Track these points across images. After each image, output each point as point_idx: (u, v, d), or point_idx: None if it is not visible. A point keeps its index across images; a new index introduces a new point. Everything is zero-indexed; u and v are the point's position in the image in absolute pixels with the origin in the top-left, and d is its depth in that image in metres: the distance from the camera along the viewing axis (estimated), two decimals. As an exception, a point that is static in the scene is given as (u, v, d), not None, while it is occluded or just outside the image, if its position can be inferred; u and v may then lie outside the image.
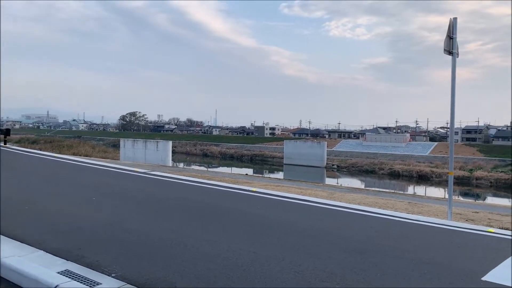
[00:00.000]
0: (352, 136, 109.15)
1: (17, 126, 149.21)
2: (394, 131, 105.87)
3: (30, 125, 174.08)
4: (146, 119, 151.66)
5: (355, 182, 39.87)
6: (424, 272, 4.30)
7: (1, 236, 4.85)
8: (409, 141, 70.16)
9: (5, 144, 19.67)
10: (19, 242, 4.65)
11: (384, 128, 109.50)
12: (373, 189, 25.76)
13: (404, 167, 47.97)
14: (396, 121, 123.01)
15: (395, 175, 46.40)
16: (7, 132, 20.59)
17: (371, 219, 7.01)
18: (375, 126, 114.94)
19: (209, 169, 43.48)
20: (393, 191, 23.58)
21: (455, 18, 7.85)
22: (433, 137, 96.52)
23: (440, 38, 8.51)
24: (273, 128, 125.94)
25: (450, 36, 7.82)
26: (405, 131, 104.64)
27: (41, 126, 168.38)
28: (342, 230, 6.11)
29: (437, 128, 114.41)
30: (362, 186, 34.27)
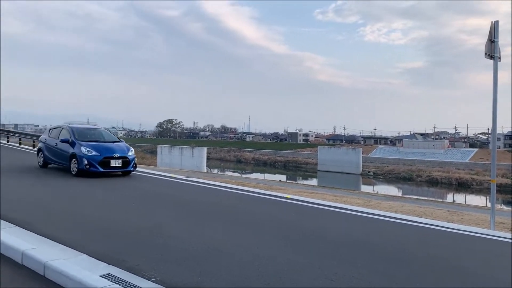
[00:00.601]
0: (389, 142, 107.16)
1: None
2: (432, 137, 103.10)
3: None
4: (182, 126, 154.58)
5: (392, 190, 38.99)
6: (465, 283, 4.18)
7: (47, 239, 5.08)
8: (448, 147, 68.07)
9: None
10: (63, 246, 4.85)
11: (421, 134, 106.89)
12: (410, 196, 25.10)
13: (442, 174, 46.53)
14: (434, 127, 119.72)
15: (433, 182, 45.06)
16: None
17: (409, 227, 6.87)
18: (412, 132, 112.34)
19: (243, 175, 43.70)
20: (431, 198, 22.96)
21: (496, 21, 7.62)
22: (473, 143, 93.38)
23: (479, 41, 8.26)
24: (306, 134, 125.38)
25: (492, 40, 7.60)
26: (444, 137, 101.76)
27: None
28: (379, 239, 6.01)
29: (478, 134, 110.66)
30: (399, 194, 33.48)
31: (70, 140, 12.00)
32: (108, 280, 3.83)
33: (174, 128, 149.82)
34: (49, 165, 13.32)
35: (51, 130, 13.73)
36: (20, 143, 22.91)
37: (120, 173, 12.14)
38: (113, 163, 11.71)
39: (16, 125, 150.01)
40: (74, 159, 11.63)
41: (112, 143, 12.61)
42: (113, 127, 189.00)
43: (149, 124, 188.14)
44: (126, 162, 11.97)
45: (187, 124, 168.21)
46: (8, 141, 23.65)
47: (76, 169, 11.53)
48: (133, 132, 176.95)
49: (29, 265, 4.35)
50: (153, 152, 55.72)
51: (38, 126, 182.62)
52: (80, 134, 12.37)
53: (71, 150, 11.79)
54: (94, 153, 11.48)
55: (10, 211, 6.42)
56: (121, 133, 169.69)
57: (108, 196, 8.78)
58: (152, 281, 3.85)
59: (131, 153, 12.36)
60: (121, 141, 13.08)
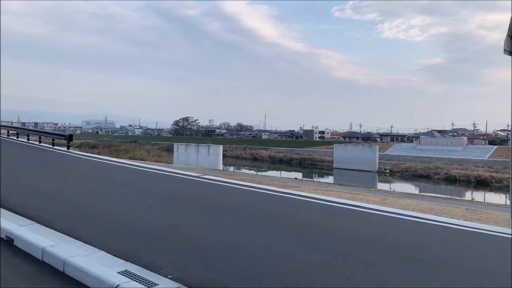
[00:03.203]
0: (406, 139, 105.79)
1: (78, 132, 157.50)
2: (450, 134, 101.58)
3: (90, 131, 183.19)
4: (198, 124, 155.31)
5: (408, 187, 38.55)
6: (484, 283, 4.13)
7: (67, 236, 5.18)
8: (467, 144, 66.89)
9: (68, 149, 20.86)
10: (82, 243, 4.94)
11: (439, 131, 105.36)
12: (428, 194, 24.82)
13: (461, 172, 45.79)
14: (452, 124, 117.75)
15: (451, 180, 44.41)
16: (70, 138, 21.84)
17: (427, 226, 6.79)
18: (430, 129, 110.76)
19: (259, 173, 43.75)
20: (449, 197, 22.60)
21: (516, 16, 7.47)
22: (493, 140, 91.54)
23: (500, 36, 8.11)
24: (322, 132, 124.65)
25: (511, 36, 7.45)
26: (462, 134, 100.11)
27: (99, 132, 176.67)
28: (396, 237, 5.97)
29: (497, 131, 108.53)
30: (417, 192, 33.09)
31: None
32: (126, 276, 3.90)
33: (190, 126, 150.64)
34: None
35: None
36: (40, 141, 23.32)
37: None
38: None
39: (36, 124, 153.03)
40: None
41: None
42: (130, 125, 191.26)
43: (166, 122, 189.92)
44: None
45: (203, 122, 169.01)
46: (28, 139, 24.09)
47: None
48: (149, 130, 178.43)
49: (49, 261, 4.45)
50: (170, 150, 56.14)
51: (57, 124, 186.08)
52: None
53: None
54: None
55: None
56: (138, 131, 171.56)
57: (124, 192, 8.89)
58: (169, 278, 3.90)
59: None
60: None
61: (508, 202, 10.62)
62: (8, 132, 27.25)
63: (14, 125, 47.73)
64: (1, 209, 6.50)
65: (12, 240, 5.05)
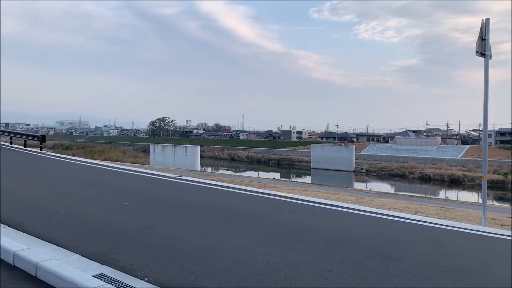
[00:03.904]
0: (381, 139, 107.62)
1: (51, 133, 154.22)
2: (425, 134, 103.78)
3: (64, 132, 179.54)
4: (175, 125, 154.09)
5: (384, 187, 39.21)
6: (458, 279, 4.21)
7: (39, 239, 5.04)
8: (440, 144, 68.50)
9: (40, 150, 20.37)
10: (55, 246, 4.82)
11: (414, 131, 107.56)
12: (403, 193, 25.27)
13: (435, 171, 46.90)
14: (427, 124, 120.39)
15: (426, 179, 45.41)
16: (43, 139, 21.35)
17: (402, 224, 6.90)
18: (405, 129, 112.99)
19: (237, 174, 43.70)
20: (424, 195, 23.10)
21: (487, 19, 7.67)
22: (465, 140, 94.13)
23: (473, 39, 8.30)
24: (300, 132, 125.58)
25: (482, 38, 7.65)
26: (436, 134, 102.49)
27: (74, 132, 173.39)
28: (372, 236, 6.04)
29: (469, 130, 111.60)
30: (392, 191, 33.66)
31: None
32: (101, 280, 3.81)
33: (167, 127, 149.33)
34: None
35: None
36: (11, 143, 22.70)
37: None
38: None
39: (7, 124, 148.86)
40: None
41: None
42: (105, 126, 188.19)
43: (142, 123, 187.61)
44: None
45: (180, 122, 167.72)
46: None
47: None
48: (125, 131, 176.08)
49: (21, 266, 4.32)
50: (146, 151, 55.55)
51: (29, 125, 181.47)
52: None
53: None
54: None
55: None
56: (113, 131, 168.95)
57: (100, 194, 8.73)
58: (145, 281, 3.84)
59: None
60: None
61: (481, 200, 10.93)
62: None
63: (-16, 126, 46.30)
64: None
65: (-19, 245, 4.87)
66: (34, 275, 4.09)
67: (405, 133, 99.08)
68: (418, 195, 24.90)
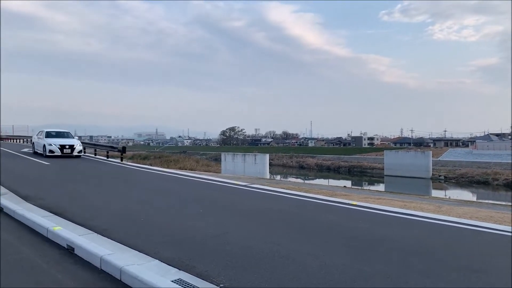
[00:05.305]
0: (461, 144, 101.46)
1: (130, 144, 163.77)
2: (510, 137, 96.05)
3: (141, 142, 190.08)
4: (244, 133, 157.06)
5: (465, 194, 36.79)
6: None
7: (123, 245, 5.37)
8: (528, 148, 62.97)
9: (121, 160, 21.71)
10: (137, 251, 5.11)
11: (497, 135, 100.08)
12: (486, 201, 23.54)
13: (523, 177, 43.14)
14: (511, 127, 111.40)
15: (512, 186, 41.93)
16: (123, 150, 22.77)
17: (486, 235, 6.45)
18: (486, 133, 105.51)
19: (306, 181, 43.39)
20: (510, 203, 21.30)
21: None
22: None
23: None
24: (371, 138, 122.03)
25: None
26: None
27: (150, 143, 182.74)
28: (452, 247, 5.70)
29: None
30: (474, 199, 31.51)
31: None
32: (179, 285, 3.98)
33: (236, 136, 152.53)
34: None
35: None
36: (95, 154, 24.42)
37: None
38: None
39: (91, 137, 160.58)
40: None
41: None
42: (179, 136, 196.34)
43: (213, 132, 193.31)
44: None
45: (249, 131, 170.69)
46: (84, 152, 25.30)
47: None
48: (198, 141, 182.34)
49: (107, 269, 4.64)
50: (217, 160, 56.98)
51: (111, 137, 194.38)
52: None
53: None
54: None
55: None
56: (187, 141, 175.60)
57: (175, 202, 9.10)
58: (221, 287, 3.95)
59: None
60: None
61: None
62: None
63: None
64: (62, 218, 6.88)
65: (73, 249, 5.30)
66: (119, 279, 4.38)
67: (487, 137, 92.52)
68: (504, 203, 23.05)
